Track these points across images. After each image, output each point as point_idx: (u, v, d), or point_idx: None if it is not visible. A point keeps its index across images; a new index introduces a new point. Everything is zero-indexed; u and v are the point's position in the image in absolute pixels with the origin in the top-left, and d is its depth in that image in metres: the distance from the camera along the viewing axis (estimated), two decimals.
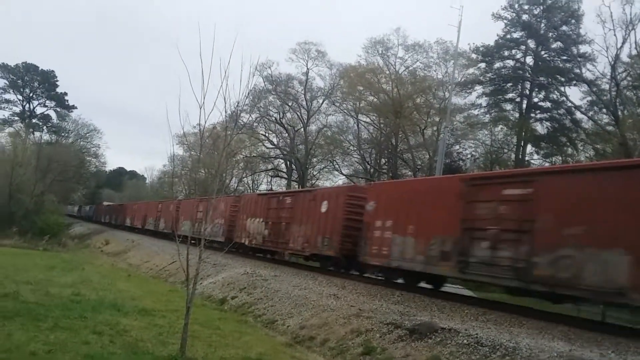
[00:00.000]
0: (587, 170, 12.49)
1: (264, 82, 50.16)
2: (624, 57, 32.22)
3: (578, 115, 37.50)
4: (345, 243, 18.85)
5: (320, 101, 52.04)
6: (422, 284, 16.66)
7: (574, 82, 37.14)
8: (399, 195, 16.98)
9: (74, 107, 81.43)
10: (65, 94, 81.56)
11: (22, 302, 12.15)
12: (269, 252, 25.36)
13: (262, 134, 54.31)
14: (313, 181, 51.62)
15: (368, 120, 47.64)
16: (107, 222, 62.19)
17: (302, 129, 52.30)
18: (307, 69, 51.00)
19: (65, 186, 62.19)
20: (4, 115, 79.03)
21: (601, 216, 10.63)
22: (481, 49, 39.96)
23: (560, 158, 37.64)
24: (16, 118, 79.74)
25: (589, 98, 36.02)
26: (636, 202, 10.14)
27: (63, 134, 78.24)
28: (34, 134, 73.52)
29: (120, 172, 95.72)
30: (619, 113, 32.48)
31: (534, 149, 40.16)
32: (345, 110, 49.08)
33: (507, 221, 12.60)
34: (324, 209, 20.34)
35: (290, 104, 52.55)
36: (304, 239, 21.22)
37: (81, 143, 77.68)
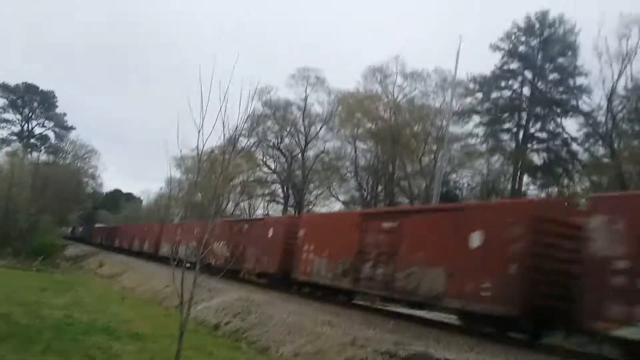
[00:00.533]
0: (429, 210, 18.74)
1: (263, 107, 50.50)
2: (620, 89, 32.60)
3: (574, 146, 37.77)
4: (284, 263, 22.41)
5: (319, 127, 52.33)
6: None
7: (571, 113, 37.45)
8: (319, 225, 21.46)
9: (72, 127, 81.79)
10: (65, 114, 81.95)
11: (14, 324, 12.07)
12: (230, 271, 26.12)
13: (259, 159, 54.47)
14: (310, 207, 51.61)
15: (365, 147, 47.89)
16: (99, 243, 63.82)
17: (300, 155, 52.45)
18: (306, 94, 51.40)
19: (62, 207, 61.95)
20: (2, 135, 79.27)
21: (432, 244, 14.95)
22: (478, 78, 40.37)
23: (556, 189, 37.77)
24: (14, 137, 79.90)
25: (586, 130, 36.29)
26: (449, 235, 14.38)
27: (60, 155, 78.28)
28: (31, 153, 73.60)
29: (116, 193, 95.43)
30: (615, 145, 32.70)
31: (530, 179, 40.31)
32: (343, 137, 49.36)
33: (382, 247, 16.82)
34: (270, 234, 24.17)
35: (288, 129, 52.81)
36: (255, 259, 24.94)
37: (78, 164, 77.68)
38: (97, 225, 78.00)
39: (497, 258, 12.72)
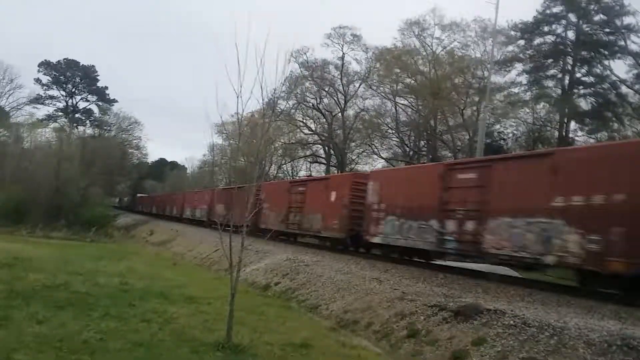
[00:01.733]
0: (318, 179, 29.11)
1: (300, 68, 50.17)
2: None
3: (624, 89, 36.35)
4: (352, 224, 22.69)
5: (357, 85, 51.79)
6: None
7: (619, 55, 35.95)
8: (392, 181, 21.01)
9: (115, 100, 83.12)
10: (106, 87, 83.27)
11: (73, 292, 12.50)
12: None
13: (299, 121, 54.41)
14: (352, 165, 51.50)
15: (406, 102, 47.20)
16: (141, 210, 73.47)
17: (340, 114, 52.16)
18: (343, 53, 50.79)
19: (110, 179, 63.58)
20: (48, 111, 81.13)
21: (317, 200, 24.46)
22: (520, 25, 39.00)
23: (606, 134, 36.61)
24: (60, 113, 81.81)
25: (635, 71, 34.86)
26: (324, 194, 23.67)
27: (105, 128, 79.94)
28: (77, 128, 75.37)
29: (161, 163, 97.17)
30: None
31: (578, 125, 39.15)
32: (383, 94, 48.74)
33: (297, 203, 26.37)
34: (334, 195, 23.96)
35: (326, 89, 52.43)
36: (319, 221, 24.60)
37: (123, 136, 79.28)
38: (139, 195, 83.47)
39: (340, 206, 22.27)
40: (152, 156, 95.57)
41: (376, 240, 19.81)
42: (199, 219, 43.97)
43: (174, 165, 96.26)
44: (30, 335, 8.47)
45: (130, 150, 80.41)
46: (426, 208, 17.14)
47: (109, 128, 79.81)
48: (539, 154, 16.06)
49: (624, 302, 11.14)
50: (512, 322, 9.82)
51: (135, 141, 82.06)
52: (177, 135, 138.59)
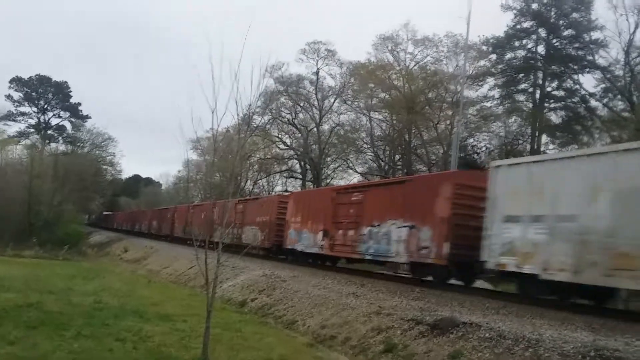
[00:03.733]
0: (253, 199, 32.92)
1: (275, 83, 50.26)
2: (638, 41, 31.86)
3: (593, 102, 37.02)
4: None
5: (332, 100, 51.97)
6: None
7: (587, 69, 36.67)
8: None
9: (87, 116, 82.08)
10: (79, 104, 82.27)
11: (45, 312, 12.31)
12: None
13: (275, 136, 54.41)
14: (328, 180, 51.58)
15: (380, 117, 47.47)
16: (106, 227, 77.15)
17: (315, 129, 52.29)
18: (318, 68, 50.99)
19: (83, 195, 62.74)
20: (20, 128, 79.87)
21: (252, 214, 29.13)
22: (491, 40, 39.57)
23: (576, 146, 37.26)
24: (32, 130, 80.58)
25: (603, 85, 35.56)
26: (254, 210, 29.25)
27: (78, 144, 78.89)
28: (50, 145, 74.31)
29: (136, 179, 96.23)
30: (634, 99, 32.09)
31: (549, 138, 39.78)
32: (357, 108, 48.95)
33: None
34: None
35: (302, 105, 52.55)
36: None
37: (97, 152, 78.39)
38: (105, 212, 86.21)
39: (268, 222, 27.86)
40: (127, 172, 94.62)
41: (291, 247, 24.98)
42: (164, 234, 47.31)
43: (148, 181, 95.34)
44: (1, 357, 8.30)
45: (104, 167, 79.54)
46: (322, 221, 22.39)
47: (82, 144, 78.79)
48: (393, 182, 23.19)
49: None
50: (487, 335, 9.90)
51: (109, 157, 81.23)
52: (152, 152, 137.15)
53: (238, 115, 9.49)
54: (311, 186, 48.74)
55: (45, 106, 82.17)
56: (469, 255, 14.83)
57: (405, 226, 17.37)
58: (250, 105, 10.02)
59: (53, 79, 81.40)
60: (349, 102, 49.64)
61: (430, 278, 17.19)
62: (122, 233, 62.67)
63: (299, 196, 27.10)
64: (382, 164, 47.26)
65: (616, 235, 11.09)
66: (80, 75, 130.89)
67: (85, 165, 62.19)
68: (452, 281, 16.94)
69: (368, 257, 19.48)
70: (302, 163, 54.74)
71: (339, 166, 53.07)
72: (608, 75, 34.55)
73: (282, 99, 52.00)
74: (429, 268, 16.84)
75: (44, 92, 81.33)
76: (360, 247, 19.39)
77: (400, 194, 18.23)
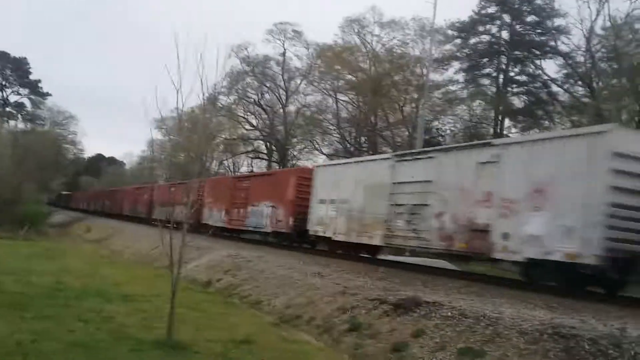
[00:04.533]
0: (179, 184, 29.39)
1: (241, 63, 49.86)
2: (598, 29, 32.52)
3: (554, 88, 37.84)
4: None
5: (298, 81, 51.89)
6: None
7: (550, 55, 37.38)
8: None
9: (48, 94, 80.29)
10: (39, 81, 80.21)
11: (3, 293, 12.03)
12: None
13: (241, 116, 54.02)
14: (294, 161, 51.56)
15: (347, 99, 47.57)
16: (62, 206, 78.16)
17: (281, 110, 52.09)
18: (284, 49, 50.72)
19: (44, 175, 61.34)
20: None
21: (220, 195, 29.18)
22: (457, 24, 39.97)
23: (537, 130, 38.00)
24: None
25: (565, 71, 36.32)
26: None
27: (38, 122, 77.16)
28: (8, 122, 72.33)
29: (98, 158, 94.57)
30: (595, 84, 32.81)
31: (512, 122, 40.48)
32: (324, 90, 48.95)
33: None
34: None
35: (268, 85, 52.31)
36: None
37: (57, 130, 76.71)
38: (63, 192, 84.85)
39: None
40: (89, 152, 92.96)
41: (204, 222, 28.93)
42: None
43: (111, 160, 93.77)
44: None
45: (65, 146, 77.95)
46: (224, 202, 28.56)
47: (42, 122, 77.07)
48: (266, 174, 30.92)
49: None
50: (449, 313, 10.08)
51: (70, 136, 79.80)
52: (116, 131, 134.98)
53: (203, 94, 9.39)
54: (277, 167, 48.65)
55: (3, 82, 79.99)
56: (304, 226, 21.54)
57: (270, 206, 24.26)
58: (215, 85, 9.94)
59: (11, 55, 79.11)
60: (316, 84, 49.59)
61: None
62: (86, 213, 61.59)
63: (212, 182, 31.44)
64: (348, 145, 47.43)
65: (364, 212, 18.06)
66: (40, 53, 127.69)
67: (45, 144, 60.61)
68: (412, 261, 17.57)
69: (250, 228, 25.83)
70: (268, 144, 54.59)
71: (304, 147, 53.09)
72: (569, 62, 35.27)
73: (248, 80, 51.76)
74: (282, 235, 23.60)
75: (1, 67, 79.12)
76: (246, 222, 26.13)
77: (269, 183, 25.32)
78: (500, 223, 13.12)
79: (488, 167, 13.83)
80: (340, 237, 19.25)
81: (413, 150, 20.88)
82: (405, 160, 17.12)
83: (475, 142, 20.03)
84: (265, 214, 24.43)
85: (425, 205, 15.54)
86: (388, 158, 18.30)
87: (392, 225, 16.70)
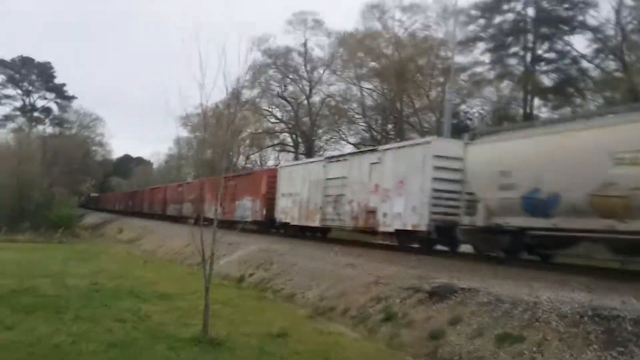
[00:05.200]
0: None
1: (263, 56, 49.76)
2: (628, 0, 31.59)
3: (584, 64, 36.84)
4: None
5: (321, 71, 51.52)
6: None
7: (578, 30, 36.37)
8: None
9: (74, 97, 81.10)
10: (64, 84, 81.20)
11: (41, 296, 12.26)
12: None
13: (265, 110, 54.00)
14: (321, 152, 51.39)
15: (371, 86, 47.16)
16: (92, 208, 78.74)
17: (305, 101, 51.94)
18: (305, 39, 50.41)
19: (73, 177, 62.43)
20: (5, 111, 78.97)
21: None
22: (480, 4, 39.22)
23: (569, 109, 37.19)
24: (17, 113, 79.64)
25: (595, 46, 35.32)
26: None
27: (66, 126, 78.25)
28: (37, 127, 73.67)
29: (126, 159, 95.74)
30: (626, 58, 31.92)
31: (542, 101, 39.62)
32: (347, 79, 48.53)
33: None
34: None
35: (291, 77, 52.09)
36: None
37: (85, 133, 77.87)
38: (92, 194, 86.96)
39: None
40: (117, 153, 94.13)
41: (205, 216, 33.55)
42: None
43: (139, 161, 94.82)
44: (0, 342, 8.26)
45: (93, 148, 79.11)
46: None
47: (69, 126, 78.19)
48: (246, 174, 33.99)
49: None
50: (485, 299, 9.91)
51: (98, 138, 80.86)
52: (143, 131, 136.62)
53: (227, 89, 9.34)
54: (304, 158, 48.63)
55: (30, 88, 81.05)
56: (272, 215, 26.71)
57: (250, 200, 29.35)
58: (238, 79, 9.88)
59: (36, 60, 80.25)
60: (339, 73, 49.20)
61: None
62: (115, 214, 62.57)
63: (210, 181, 33.57)
64: (375, 133, 47.09)
65: (309, 202, 23.17)
66: (63, 56, 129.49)
67: (74, 147, 61.75)
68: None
69: (237, 219, 28.37)
70: (294, 136, 54.49)
71: (331, 137, 52.85)
72: (599, 36, 34.31)
73: (271, 72, 51.51)
74: (259, 223, 28.19)
75: (27, 73, 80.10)
76: (235, 214, 30.15)
77: (249, 181, 30.28)
78: (382, 206, 18.24)
79: (376, 166, 18.98)
80: (295, 222, 24.63)
81: (337, 155, 27.23)
82: (332, 162, 22.38)
83: (369, 147, 26.67)
84: (247, 207, 29.72)
85: (343, 195, 20.71)
86: (322, 160, 24.02)
87: (325, 210, 21.87)
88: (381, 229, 18.82)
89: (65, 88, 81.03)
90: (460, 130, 34.86)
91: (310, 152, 49.17)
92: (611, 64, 34.17)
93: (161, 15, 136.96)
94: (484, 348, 8.58)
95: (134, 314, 10.73)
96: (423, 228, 16.34)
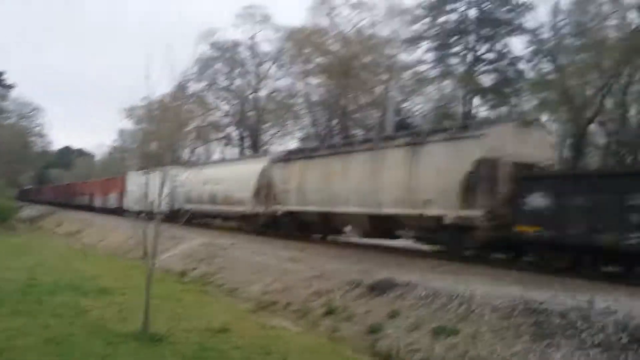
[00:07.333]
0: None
1: (210, 49, 49.28)
2: (564, 4, 32.86)
3: (521, 65, 38.18)
4: None
5: (269, 66, 51.41)
6: None
7: (517, 32, 37.64)
8: None
9: (12, 86, 78.01)
10: (3, 72, 77.99)
11: None
12: None
13: (211, 103, 53.49)
14: (266, 147, 51.31)
15: (317, 82, 47.34)
16: (27, 200, 74.64)
17: (252, 95, 51.71)
18: (253, 33, 50.20)
19: (11, 168, 60.26)
20: None
21: (115, 187, 43.85)
22: (425, 4, 39.98)
23: (506, 109, 38.39)
24: None
25: (531, 48, 36.62)
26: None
27: (3, 115, 75.27)
28: None
29: (67, 150, 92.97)
30: (560, 61, 33.19)
31: (481, 101, 40.72)
32: (294, 74, 48.63)
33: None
34: None
35: (238, 71, 51.74)
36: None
37: (24, 123, 75.16)
38: (25, 187, 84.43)
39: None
40: (58, 144, 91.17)
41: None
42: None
43: (80, 152, 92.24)
44: None
45: (32, 138, 76.38)
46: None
47: (7, 115, 75.25)
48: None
49: None
50: (423, 293, 10.26)
51: (37, 128, 78.02)
52: (85, 122, 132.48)
53: (173, 81, 9.33)
54: (249, 153, 48.41)
55: None
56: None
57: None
58: (185, 71, 9.88)
59: None
60: (286, 68, 49.21)
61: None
62: (54, 206, 60.82)
63: (130, 176, 37.22)
64: (320, 129, 47.32)
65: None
66: (3, 43, 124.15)
67: (11, 137, 59.60)
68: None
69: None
70: (240, 130, 54.18)
71: (277, 132, 52.82)
72: (535, 38, 35.58)
73: (218, 65, 51.09)
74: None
75: None
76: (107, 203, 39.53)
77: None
78: None
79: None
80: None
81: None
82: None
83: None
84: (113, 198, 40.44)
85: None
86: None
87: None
88: None
89: (3, 76, 77.89)
90: (402, 127, 35.54)
91: (255, 147, 49.05)
92: (546, 66, 35.48)
93: (108, 3, 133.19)
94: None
95: (72, 309, 10.58)
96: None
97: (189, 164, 36.37)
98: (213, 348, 8.66)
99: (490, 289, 9.88)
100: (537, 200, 12.19)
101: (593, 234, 11.05)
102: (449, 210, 13.86)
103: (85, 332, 8.96)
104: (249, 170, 24.28)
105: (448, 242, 14.62)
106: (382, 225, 16.85)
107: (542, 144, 14.27)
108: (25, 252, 21.67)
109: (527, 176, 13.01)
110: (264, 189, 22.83)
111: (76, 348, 8.06)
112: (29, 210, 57.99)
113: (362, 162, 17.05)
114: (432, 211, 14.32)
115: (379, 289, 11.14)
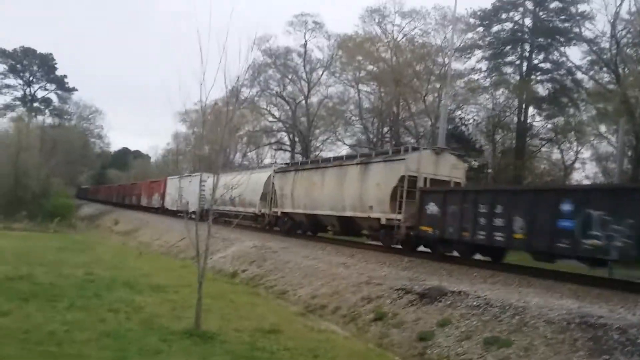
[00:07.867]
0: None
1: (263, 55, 49.97)
2: (624, 14, 31.92)
3: (579, 75, 37.26)
4: None
5: (320, 73, 51.74)
6: None
7: (574, 42, 36.75)
8: None
9: (74, 89, 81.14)
10: (65, 76, 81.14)
11: (36, 284, 12.33)
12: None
13: (263, 108, 54.17)
14: (317, 152, 51.55)
15: (369, 89, 47.41)
16: (86, 198, 78.57)
17: (304, 101, 52.12)
18: (305, 40, 50.64)
19: (71, 168, 62.40)
20: (5, 101, 78.92)
21: (155, 189, 49.08)
22: (479, 12, 39.53)
23: (562, 119, 37.51)
24: (18, 102, 79.65)
25: (590, 57, 35.67)
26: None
27: (65, 117, 78.31)
28: (36, 117, 73.57)
29: (124, 152, 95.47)
30: (620, 71, 32.23)
31: (536, 110, 39.93)
32: (345, 81, 48.82)
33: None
34: None
35: (290, 77, 52.31)
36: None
37: (84, 125, 77.92)
38: (83, 186, 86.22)
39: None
40: (115, 145, 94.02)
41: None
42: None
43: (137, 154, 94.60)
44: None
45: (92, 140, 79.13)
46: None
47: (69, 117, 78.25)
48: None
49: None
50: (475, 303, 10.11)
51: (96, 130, 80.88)
52: (141, 125, 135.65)
53: (226, 87, 9.51)
54: (300, 158, 48.77)
55: (31, 78, 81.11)
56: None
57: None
58: (238, 77, 10.04)
59: (38, 51, 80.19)
60: (337, 75, 49.45)
61: None
62: (110, 205, 62.63)
63: (169, 180, 43.18)
64: (371, 136, 47.29)
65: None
66: (66, 48, 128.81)
67: (72, 138, 61.75)
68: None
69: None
70: (291, 135, 54.63)
71: (327, 138, 53.04)
72: (594, 48, 34.68)
73: (270, 72, 51.75)
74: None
75: (28, 64, 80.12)
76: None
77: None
78: None
79: None
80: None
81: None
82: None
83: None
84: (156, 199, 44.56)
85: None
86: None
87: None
88: None
89: (66, 80, 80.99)
90: (455, 136, 35.11)
91: (306, 152, 49.33)
92: (605, 76, 34.52)
93: (165, 12, 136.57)
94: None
95: (127, 305, 10.83)
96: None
97: (240, 168, 38.56)
98: (263, 348, 8.75)
99: (544, 301, 9.67)
100: (431, 208, 16.07)
101: (461, 232, 14.73)
102: (383, 214, 18.05)
103: (140, 328, 9.18)
104: (259, 178, 28.54)
105: (383, 237, 18.72)
106: (347, 224, 20.87)
107: (454, 166, 18.61)
108: (84, 249, 22.37)
109: (425, 190, 16.96)
110: (269, 194, 27.16)
111: (131, 343, 8.26)
112: (87, 209, 59.86)
113: (333, 176, 21.53)
114: (374, 214, 18.57)
115: (429, 296, 11.05)
